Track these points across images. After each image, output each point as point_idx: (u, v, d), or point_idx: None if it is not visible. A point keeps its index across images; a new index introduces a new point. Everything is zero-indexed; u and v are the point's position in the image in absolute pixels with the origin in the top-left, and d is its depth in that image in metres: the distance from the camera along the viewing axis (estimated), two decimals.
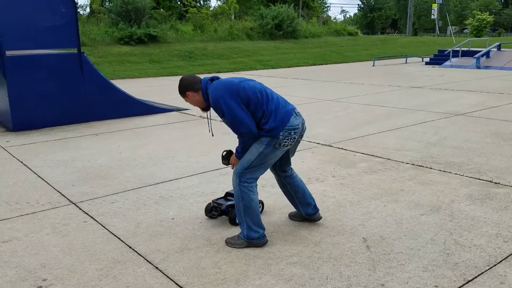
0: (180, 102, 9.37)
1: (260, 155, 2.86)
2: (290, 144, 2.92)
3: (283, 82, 13.30)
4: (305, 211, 3.25)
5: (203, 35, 22.40)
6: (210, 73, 16.54)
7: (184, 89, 2.90)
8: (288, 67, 18.98)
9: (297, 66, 19.40)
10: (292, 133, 2.88)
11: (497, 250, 2.86)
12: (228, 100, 2.72)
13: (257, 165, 2.88)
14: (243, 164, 2.89)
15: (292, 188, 3.20)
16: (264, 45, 23.08)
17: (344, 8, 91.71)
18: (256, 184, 2.95)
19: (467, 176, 4.29)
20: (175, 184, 4.26)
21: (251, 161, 2.86)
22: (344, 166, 4.70)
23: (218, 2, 38.30)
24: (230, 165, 3.10)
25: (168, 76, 15.53)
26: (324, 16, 42.89)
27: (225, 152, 3.10)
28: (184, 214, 3.52)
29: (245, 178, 2.89)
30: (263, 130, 2.84)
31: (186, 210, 3.62)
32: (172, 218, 3.45)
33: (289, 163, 3.18)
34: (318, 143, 5.64)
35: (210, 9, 32.11)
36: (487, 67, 15.47)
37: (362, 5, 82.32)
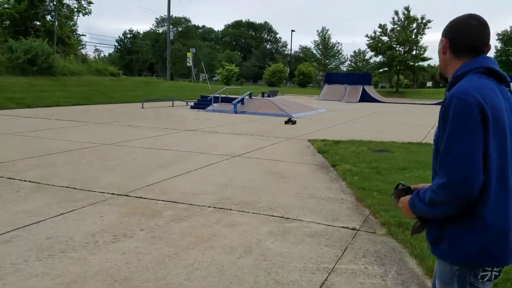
0: None
1: None
2: (496, 276, 1.62)
3: (47, 124, 11.86)
4: None
5: None
6: None
7: (445, 31, 1.73)
8: (48, 106, 17.11)
9: (58, 105, 17.71)
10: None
11: (310, 283, 3.19)
12: (469, 112, 1.49)
13: None
14: None
15: None
16: (15, 80, 20.27)
17: (98, 47, 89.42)
18: None
19: (263, 214, 4.70)
20: None
21: None
22: (149, 217, 4.46)
23: None
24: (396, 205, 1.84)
25: None
26: (82, 53, 41.04)
27: (401, 186, 1.84)
28: None
29: None
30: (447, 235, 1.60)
31: None
32: None
33: None
34: (113, 194, 5.20)
35: None
36: (243, 112, 17.70)
37: (119, 47, 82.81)
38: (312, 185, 6.07)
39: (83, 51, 52.15)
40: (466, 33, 1.65)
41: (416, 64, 52.99)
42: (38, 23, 34.83)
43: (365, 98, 34.04)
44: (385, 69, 54.88)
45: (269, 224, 4.41)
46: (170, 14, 44.30)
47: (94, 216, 4.42)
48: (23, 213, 4.38)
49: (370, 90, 37.07)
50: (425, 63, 56.20)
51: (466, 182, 1.46)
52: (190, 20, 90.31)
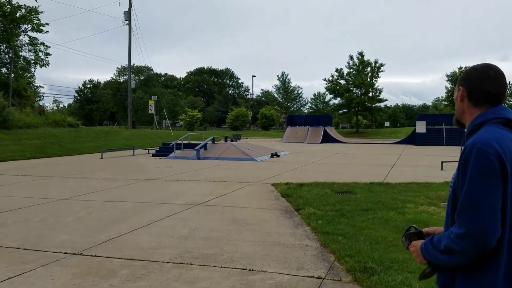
0: None
1: None
2: None
3: (0, 180, 11.28)
4: None
5: None
6: None
7: (463, 80, 1.73)
8: (2, 161, 16.39)
9: (13, 159, 17.00)
10: None
11: None
12: (489, 164, 1.49)
13: None
14: None
15: None
16: None
17: (57, 98, 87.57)
18: None
19: (224, 267, 4.51)
20: None
21: None
22: (104, 277, 4.18)
23: None
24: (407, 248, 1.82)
25: None
26: (40, 105, 40.10)
27: (413, 229, 1.83)
28: None
29: None
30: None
31: None
32: None
33: None
34: (66, 253, 4.88)
35: None
36: (206, 158, 17.57)
37: (78, 97, 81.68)
38: (276, 232, 5.95)
39: (41, 103, 50.99)
40: (484, 83, 1.66)
41: (373, 106, 55.11)
42: None
43: (327, 139, 34.80)
44: (344, 110, 56.71)
45: (231, 277, 4.23)
46: (132, 63, 44.45)
47: (45, 278, 4.11)
48: None
49: (331, 131, 38.00)
50: (382, 104, 58.63)
51: (485, 234, 1.45)
52: (152, 69, 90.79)
